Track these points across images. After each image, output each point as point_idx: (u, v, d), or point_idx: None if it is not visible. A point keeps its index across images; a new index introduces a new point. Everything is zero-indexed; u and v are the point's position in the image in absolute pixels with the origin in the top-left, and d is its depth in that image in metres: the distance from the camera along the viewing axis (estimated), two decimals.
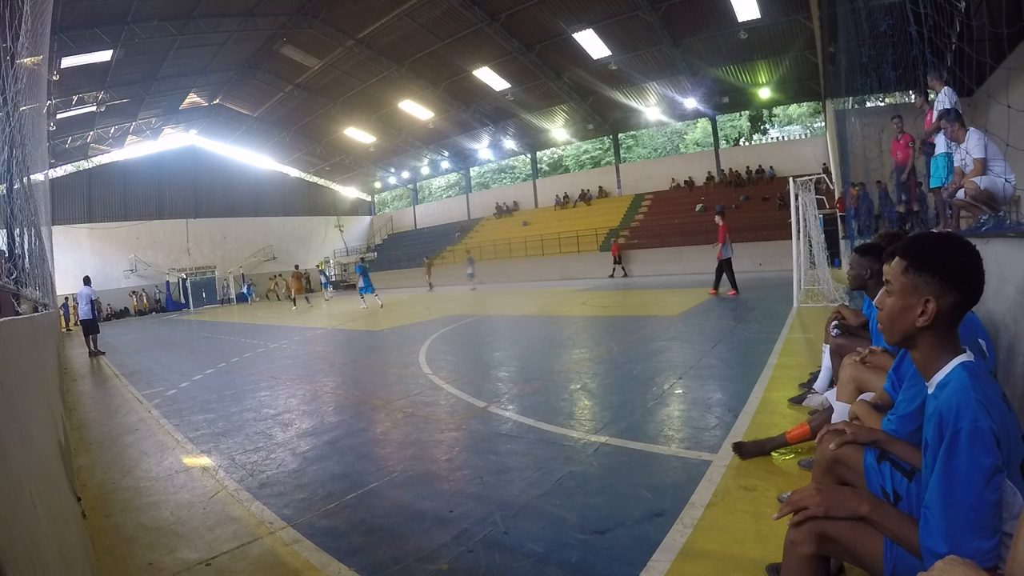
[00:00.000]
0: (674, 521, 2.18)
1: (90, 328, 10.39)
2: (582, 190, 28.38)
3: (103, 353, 10.16)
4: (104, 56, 16.83)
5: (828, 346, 3.30)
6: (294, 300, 19.21)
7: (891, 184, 7.27)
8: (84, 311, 10.47)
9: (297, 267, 21.45)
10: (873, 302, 1.22)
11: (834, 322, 3.30)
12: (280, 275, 29.79)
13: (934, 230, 4.40)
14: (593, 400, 4.24)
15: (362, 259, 19.94)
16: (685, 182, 24.81)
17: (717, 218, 10.63)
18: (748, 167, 23.25)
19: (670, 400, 3.95)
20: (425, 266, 23.99)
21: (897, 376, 1.91)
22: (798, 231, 8.61)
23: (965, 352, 1.15)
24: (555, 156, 35.12)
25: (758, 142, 28.86)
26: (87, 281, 10.90)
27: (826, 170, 17.32)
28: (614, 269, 20.62)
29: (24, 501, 1.30)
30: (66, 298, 19.86)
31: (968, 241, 1.15)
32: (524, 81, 22.24)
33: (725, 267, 10.50)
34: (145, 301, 26.91)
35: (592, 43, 19.09)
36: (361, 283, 15.98)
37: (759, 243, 17.45)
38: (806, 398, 3.50)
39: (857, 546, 1.25)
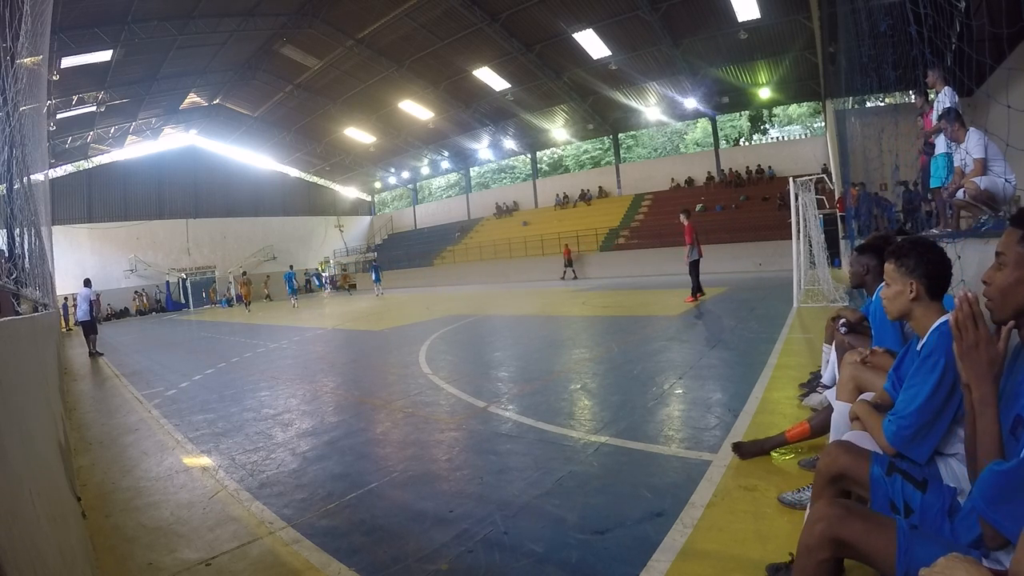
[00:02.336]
0: (674, 521, 2.18)
1: (89, 329, 10.40)
2: (582, 190, 28.38)
3: (101, 354, 10.15)
4: (104, 56, 16.83)
5: (832, 345, 3.29)
6: (246, 304, 21.06)
7: (891, 183, 7.26)
8: (82, 312, 10.47)
9: (244, 273, 23.91)
10: (981, 277, 1.17)
11: (842, 319, 3.30)
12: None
13: (934, 230, 4.40)
14: (593, 400, 4.24)
15: (291, 267, 23.65)
16: (685, 182, 24.81)
17: (682, 217, 10.03)
18: (748, 167, 23.25)
19: (670, 400, 3.95)
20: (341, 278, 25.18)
21: (897, 376, 1.90)
22: (798, 231, 8.62)
23: None
24: (555, 156, 35.12)
25: (758, 142, 28.87)
26: (87, 283, 10.92)
27: (825, 170, 17.31)
28: (565, 271, 21.78)
29: (24, 501, 1.30)
30: (65, 298, 19.86)
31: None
32: (524, 81, 22.23)
33: (692, 270, 10.01)
34: (145, 301, 26.92)
35: (592, 43, 19.08)
36: (288, 288, 20.82)
37: (759, 243, 17.45)
38: (808, 396, 3.49)
39: (871, 550, 1.24)
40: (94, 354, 10.08)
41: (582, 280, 20.44)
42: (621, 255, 21.55)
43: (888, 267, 1.71)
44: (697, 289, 10.00)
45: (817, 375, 3.90)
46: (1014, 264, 1.10)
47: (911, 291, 1.64)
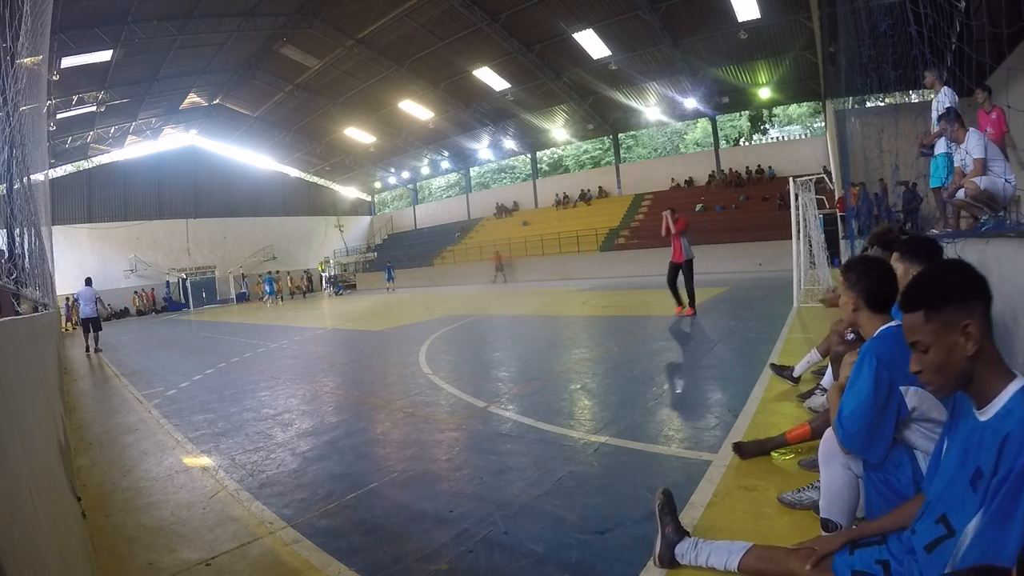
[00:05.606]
0: None
1: (94, 325, 10.45)
2: (582, 190, 28.38)
3: (100, 350, 10.16)
4: (104, 56, 16.83)
5: (829, 357, 3.31)
6: (272, 299, 24.21)
7: (891, 183, 7.26)
8: (89, 310, 10.53)
9: (278, 271, 27.62)
10: (909, 369, 1.19)
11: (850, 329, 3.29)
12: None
13: (934, 230, 4.40)
14: (593, 400, 4.24)
15: (269, 272, 26.93)
16: (685, 182, 24.81)
17: (668, 214, 8.30)
18: (748, 167, 23.25)
19: (670, 400, 3.95)
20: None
21: None
22: (798, 231, 8.62)
23: (1018, 376, 1.10)
24: (555, 156, 35.09)
25: (758, 142, 28.85)
26: (89, 282, 10.98)
27: (826, 171, 17.31)
28: (496, 276, 23.77)
29: (24, 501, 1.30)
30: (66, 298, 19.85)
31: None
32: (524, 81, 22.23)
33: (685, 270, 8.09)
34: (145, 301, 26.95)
35: (592, 43, 19.08)
36: (267, 288, 23.88)
37: (759, 243, 17.45)
38: (810, 398, 3.49)
39: None
40: (95, 350, 10.09)
41: (581, 280, 20.43)
42: (621, 255, 21.54)
43: (839, 278, 1.87)
44: (689, 299, 8.12)
45: (789, 368, 3.98)
46: (935, 342, 1.12)
47: (852, 304, 1.80)
